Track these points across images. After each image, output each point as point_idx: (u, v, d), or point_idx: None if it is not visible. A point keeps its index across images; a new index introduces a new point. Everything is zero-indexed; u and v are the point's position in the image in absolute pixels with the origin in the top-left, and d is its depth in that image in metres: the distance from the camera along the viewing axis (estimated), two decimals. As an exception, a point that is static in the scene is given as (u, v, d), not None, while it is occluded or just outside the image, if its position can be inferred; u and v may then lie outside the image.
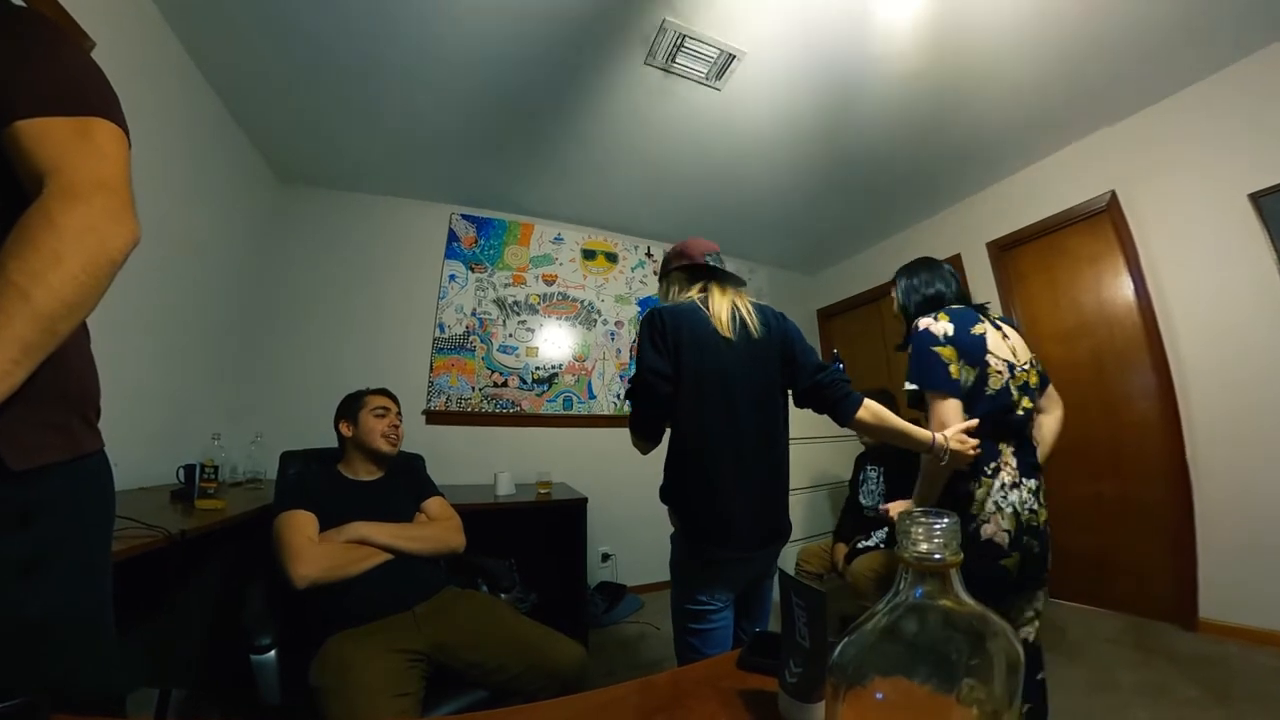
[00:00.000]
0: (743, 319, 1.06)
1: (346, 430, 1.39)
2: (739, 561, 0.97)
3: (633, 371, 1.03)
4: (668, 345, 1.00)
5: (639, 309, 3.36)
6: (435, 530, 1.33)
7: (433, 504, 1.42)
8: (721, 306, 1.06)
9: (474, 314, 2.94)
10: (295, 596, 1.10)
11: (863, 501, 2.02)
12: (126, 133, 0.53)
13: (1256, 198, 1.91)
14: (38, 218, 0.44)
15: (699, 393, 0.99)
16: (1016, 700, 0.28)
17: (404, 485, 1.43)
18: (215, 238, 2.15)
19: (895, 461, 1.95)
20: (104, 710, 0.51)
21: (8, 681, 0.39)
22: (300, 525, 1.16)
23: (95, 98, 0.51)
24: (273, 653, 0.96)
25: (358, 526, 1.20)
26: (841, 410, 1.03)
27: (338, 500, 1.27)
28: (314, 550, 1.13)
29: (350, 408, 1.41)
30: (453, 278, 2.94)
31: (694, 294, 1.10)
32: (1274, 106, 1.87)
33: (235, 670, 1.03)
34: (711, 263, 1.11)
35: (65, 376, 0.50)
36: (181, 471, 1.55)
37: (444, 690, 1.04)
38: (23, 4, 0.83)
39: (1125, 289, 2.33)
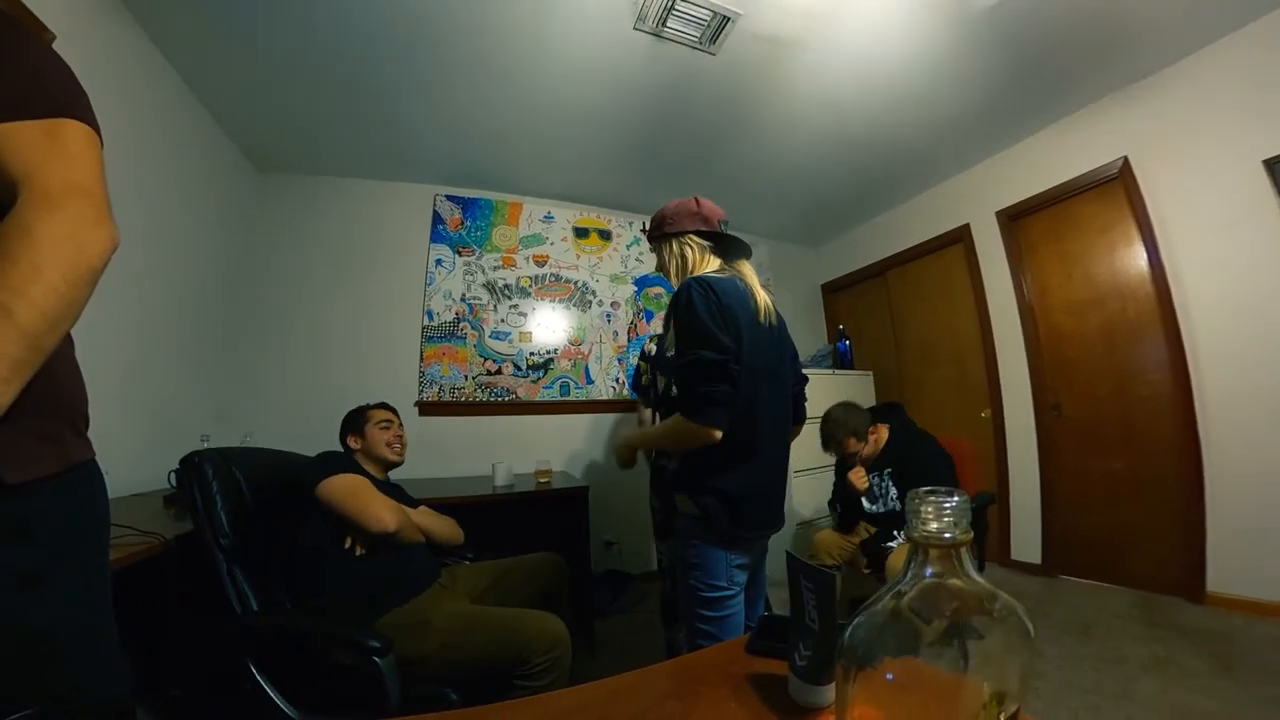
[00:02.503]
0: (767, 304, 1.05)
1: (355, 443, 1.48)
2: (760, 541, 1.06)
3: (672, 347, 1.00)
4: (728, 323, 0.96)
5: (635, 288, 3.34)
6: (449, 523, 1.51)
7: (423, 510, 1.55)
8: (756, 288, 1.04)
9: (463, 299, 2.92)
10: (320, 591, 1.16)
11: (871, 508, 1.92)
12: (98, 131, 0.52)
13: (1271, 164, 1.91)
14: (14, 229, 0.44)
15: (751, 378, 0.98)
16: (1026, 675, 0.29)
17: (400, 496, 1.54)
18: (192, 233, 2.13)
19: (900, 463, 1.90)
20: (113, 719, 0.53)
21: (15, 694, 0.40)
22: (367, 483, 1.26)
23: (63, 97, 0.50)
24: (392, 654, 0.97)
25: (400, 506, 1.31)
26: (800, 411, 1.18)
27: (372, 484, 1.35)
28: (392, 503, 1.24)
29: (355, 423, 1.50)
30: (439, 262, 2.91)
31: (719, 268, 1.06)
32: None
33: (233, 674, 1.05)
34: (728, 232, 1.09)
35: (54, 388, 0.51)
36: (173, 476, 1.55)
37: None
38: None
39: (1138, 259, 2.33)
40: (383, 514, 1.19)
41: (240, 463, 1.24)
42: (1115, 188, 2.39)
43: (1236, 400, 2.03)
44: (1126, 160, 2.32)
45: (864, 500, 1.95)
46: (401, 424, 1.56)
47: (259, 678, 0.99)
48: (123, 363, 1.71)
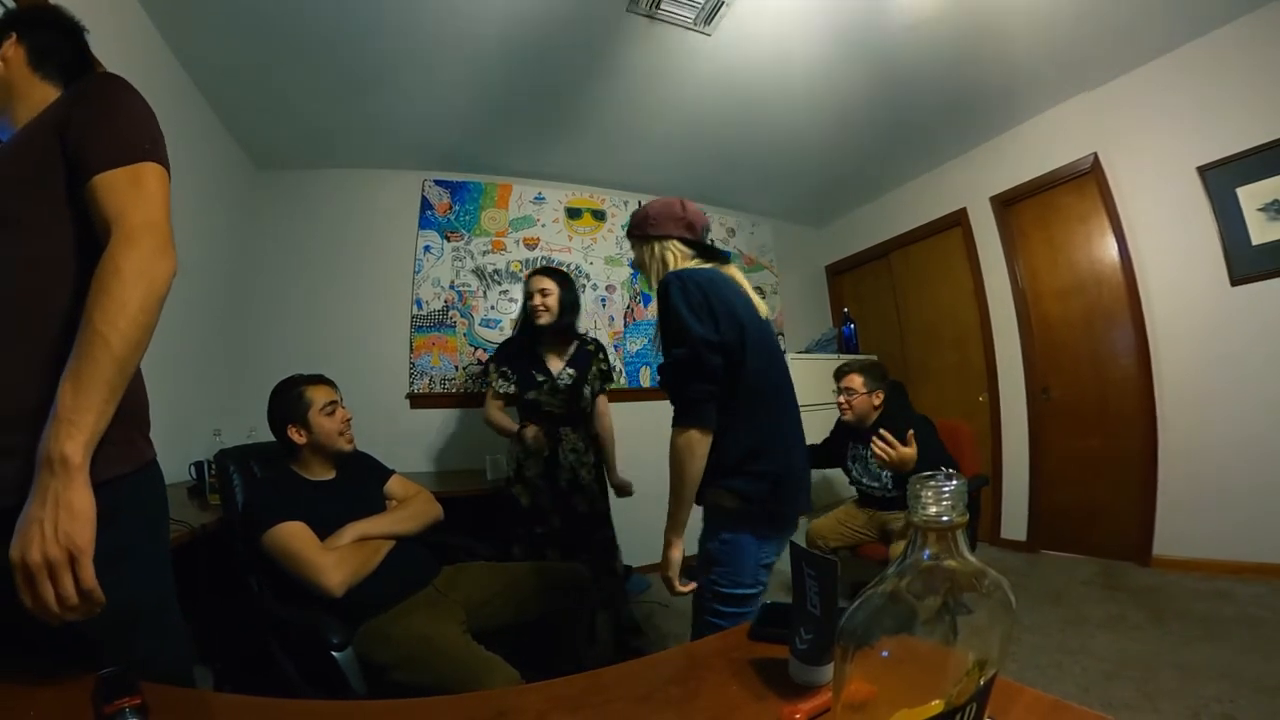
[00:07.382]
0: (755, 294, 1.06)
1: (299, 436, 1.30)
2: (792, 528, 1.05)
3: (659, 345, 0.98)
4: (709, 311, 0.94)
5: (632, 271, 3.29)
6: (417, 507, 1.40)
7: (395, 484, 1.47)
8: (740, 279, 1.04)
9: (452, 286, 2.89)
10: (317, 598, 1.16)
11: (862, 480, 2.03)
12: (168, 168, 0.63)
13: (1203, 171, 2.12)
14: (108, 267, 0.54)
15: (765, 364, 0.97)
16: (1006, 642, 0.33)
17: (362, 474, 1.44)
18: (204, 237, 2.16)
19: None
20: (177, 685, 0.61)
21: (108, 658, 0.47)
22: (303, 536, 1.16)
23: (148, 144, 0.62)
24: (350, 648, 1.04)
25: (353, 528, 1.24)
26: None
27: (315, 504, 1.25)
28: (333, 556, 1.15)
29: (296, 409, 1.30)
30: (427, 249, 2.87)
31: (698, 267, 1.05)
32: (1218, 85, 2.10)
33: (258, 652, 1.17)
34: (711, 241, 1.10)
35: (131, 398, 0.58)
36: (193, 469, 1.69)
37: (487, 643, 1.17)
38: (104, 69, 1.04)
39: (1110, 249, 2.47)
40: (330, 580, 1.10)
41: (258, 457, 1.38)
42: (1089, 181, 2.51)
43: (1183, 383, 2.27)
44: (1096, 156, 2.46)
45: (856, 474, 2.04)
46: (342, 400, 1.39)
47: (279, 651, 1.11)
48: (148, 361, 1.72)
